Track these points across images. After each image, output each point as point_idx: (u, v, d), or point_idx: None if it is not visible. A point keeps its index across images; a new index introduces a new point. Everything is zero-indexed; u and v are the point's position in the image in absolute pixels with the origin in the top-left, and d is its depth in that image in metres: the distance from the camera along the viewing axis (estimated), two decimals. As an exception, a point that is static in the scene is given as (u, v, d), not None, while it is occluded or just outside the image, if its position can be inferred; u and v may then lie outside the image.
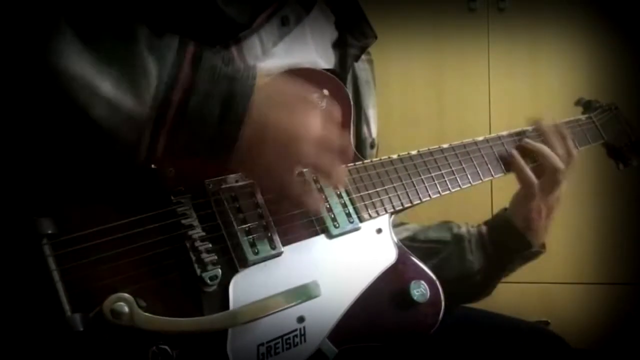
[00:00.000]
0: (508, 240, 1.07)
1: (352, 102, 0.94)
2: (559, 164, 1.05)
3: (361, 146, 1.09)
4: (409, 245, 0.95)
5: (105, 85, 0.63)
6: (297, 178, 0.74)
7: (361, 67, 1.12)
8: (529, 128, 1.12)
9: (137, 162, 0.68)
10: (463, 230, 1.11)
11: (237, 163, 0.72)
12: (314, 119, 0.73)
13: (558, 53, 2.38)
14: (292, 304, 0.74)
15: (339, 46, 1.05)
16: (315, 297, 0.75)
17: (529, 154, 1.08)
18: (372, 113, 1.13)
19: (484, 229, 1.10)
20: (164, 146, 0.67)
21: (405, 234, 1.14)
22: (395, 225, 1.15)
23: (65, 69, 0.62)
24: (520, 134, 1.11)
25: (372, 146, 1.11)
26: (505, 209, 1.11)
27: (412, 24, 2.35)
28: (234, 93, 0.69)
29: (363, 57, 1.11)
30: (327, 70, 0.95)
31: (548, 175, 1.05)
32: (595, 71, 2.32)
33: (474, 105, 2.44)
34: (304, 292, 0.75)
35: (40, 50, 0.62)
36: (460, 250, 1.08)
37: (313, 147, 0.72)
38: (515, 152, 1.07)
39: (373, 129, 1.12)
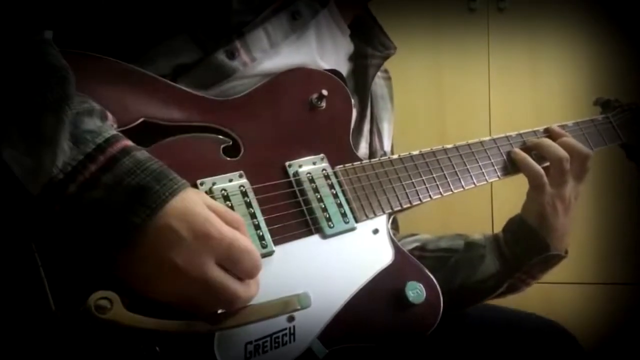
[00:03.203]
0: (523, 241, 1.02)
1: (355, 102, 0.94)
2: (561, 151, 1.01)
3: (371, 158, 1.07)
4: (419, 255, 0.94)
5: (7, 153, 0.60)
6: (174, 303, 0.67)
7: (377, 82, 1.11)
8: (540, 129, 1.10)
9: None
10: (477, 237, 1.09)
11: (116, 273, 0.66)
12: (199, 268, 0.65)
13: (558, 53, 2.37)
14: (282, 313, 0.72)
15: (357, 58, 1.05)
16: (306, 307, 0.73)
17: (533, 152, 1.05)
18: (386, 127, 1.12)
19: (500, 233, 1.07)
20: (50, 229, 0.63)
21: (414, 245, 1.13)
22: (406, 236, 1.15)
23: None
24: (529, 135, 1.08)
25: None
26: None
27: (412, 24, 2.35)
28: (135, 205, 0.62)
29: (381, 74, 1.10)
30: (329, 70, 0.94)
31: (553, 166, 1.02)
32: (596, 71, 2.32)
33: (474, 105, 2.43)
34: (295, 302, 0.72)
35: None
36: (471, 257, 1.06)
37: (187, 292, 0.66)
38: (517, 149, 1.05)
39: (386, 143, 1.12)
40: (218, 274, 0.66)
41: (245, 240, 0.68)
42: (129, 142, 0.66)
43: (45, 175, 0.61)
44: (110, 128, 0.66)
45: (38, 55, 0.65)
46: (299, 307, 0.73)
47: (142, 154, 0.66)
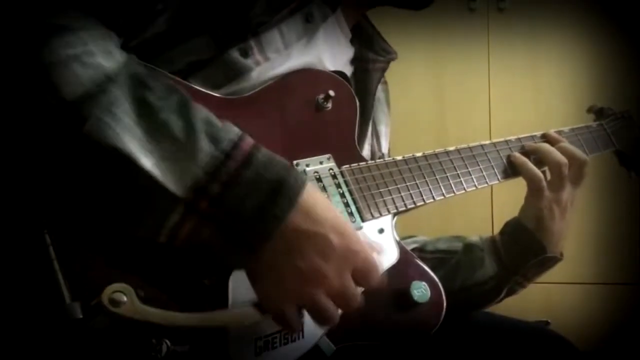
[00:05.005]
0: (520, 243, 1.03)
1: (359, 106, 0.94)
2: (560, 157, 1.03)
3: (372, 159, 1.08)
4: (417, 256, 0.94)
5: (147, 161, 0.62)
6: (295, 308, 0.70)
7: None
8: (537, 134, 1.11)
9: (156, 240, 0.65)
10: (475, 239, 1.10)
11: (250, 272, 0.69)
12: (342, 278, 0.70)
13: (558, 53, 2.38)
14: None
15: (357, 62, 1.06)
16: None
17: (532, 156, 1.06)
18: (383, 130, 1.13)
19: (497, 236, 1.07)
20: (187, 234, 0.64)
21: (413, 246, 1.13)
22: (403, 238, 1.16)
23: (111, 140, 0.61)
24: (528, 140, 1.10)
25: None
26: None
27: (411, 24, 2.35)
28: (276, 198, 0.65)
29: None
30: (335, 72, 0.95)
31: (552, 171, 1.03)
32: (595, 71, 2.33)
33: (474, 105, 2.44)
34: None
35: (83, 118, 0.60)
36: (471, 259, 1.07)
37: (324, 293, 0.69)
38: (517, 153, 1.06)
39: (383, 145, 1.12)
40: (354, 287, 0.71)
41: (372, 255, 0.73)
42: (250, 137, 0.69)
43: (190, 176, 0.63)
44: (230, 124, 0.68)
45: (147, 72, 0.67)
46: None
47: (264, 148, 0.68)
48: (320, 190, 0.72)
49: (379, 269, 0.74)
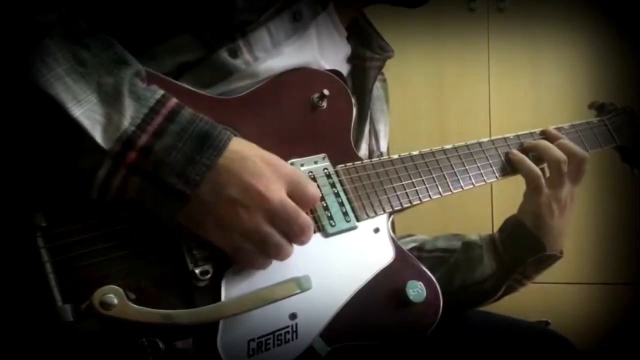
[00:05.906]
0: (519, 241, 1.03)
1: (356, 105, 0.94)
2: (559, 153, 1.02)
3: (369, 158, 1.08)
4: (416, 255, 0.94)
5: (75, 109, 0.65)
6: (247, 243, 0.72)
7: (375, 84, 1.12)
8: (536, 130, 1.11)
9: (91, 193, 0.68)
10: (474, 237, 1.09)
11: (190, 221, 0.71)
12: (278, 193, 0.72)
13: (558, 53, 2.38)
14: (283, 296, 0.74)
15: (355, 60, 1.06)
16: (306, 289, 0.75)
17: (530, 154, 1.06)
18: (382, 128, 1.13)
19: (496, 234, 1.07)
20: (118, 186, 0.67)
21: (411, 245, 1.13)
22: (403, 237, 1.16)
23: (43, 86, 0.64)
24: (526, 137, 1.09)
25: None
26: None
27: (411, 24, 2.35)
28: (203, 148, 0.69)
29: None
30: (330, 70, 0.95)
31: (550, 168, 1.03)
32: (595, 70, 2.33)
33: (474, 105, 2.44)
34: (295, 285, 0.74)
35: (21, 62, 0.64)
36: (470, 258, 1.06)
37: (266, 217, 0.71)
38: (515, 150, 1.06)
39: (382, 144, 1.12)
40: (294, 204, 0.73)
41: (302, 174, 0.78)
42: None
43: (116, 129, 0.66)
44: (156, 86, 0.72)
45: (84, 29, 0.71)
46: (298, 291, 0.74)
47: (189, 108, 0.72)
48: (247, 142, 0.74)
49: (313, 185, 0.77)
